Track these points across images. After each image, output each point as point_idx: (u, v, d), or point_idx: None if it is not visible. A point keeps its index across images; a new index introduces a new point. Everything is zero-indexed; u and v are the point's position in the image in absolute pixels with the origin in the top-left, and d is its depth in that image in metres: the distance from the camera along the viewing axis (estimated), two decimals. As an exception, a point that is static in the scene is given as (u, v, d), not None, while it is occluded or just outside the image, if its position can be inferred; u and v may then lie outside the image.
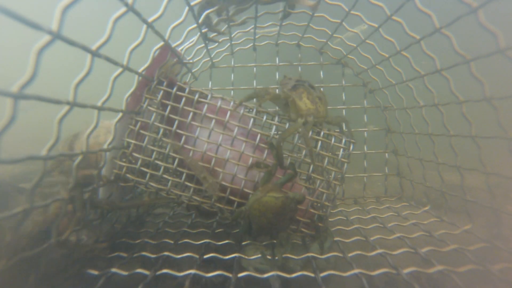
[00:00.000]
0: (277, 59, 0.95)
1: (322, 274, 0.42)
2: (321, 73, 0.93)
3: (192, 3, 0.54)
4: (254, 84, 0.93)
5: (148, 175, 0.56)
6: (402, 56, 0.66)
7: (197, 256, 0.47)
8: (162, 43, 0.54)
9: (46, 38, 0.29)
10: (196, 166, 0.54)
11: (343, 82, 0.92)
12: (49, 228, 0.39)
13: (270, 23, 0.85)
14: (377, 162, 0.92)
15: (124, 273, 0.42)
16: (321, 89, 0.60)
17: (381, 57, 0.74)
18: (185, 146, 0.56)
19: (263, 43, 0.94)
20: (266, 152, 0.56)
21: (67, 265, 0.42)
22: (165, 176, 0.57)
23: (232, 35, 0.83)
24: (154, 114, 0.58)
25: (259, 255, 0.49)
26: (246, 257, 0.48)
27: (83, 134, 0.68)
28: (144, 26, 0.46)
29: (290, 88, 0.58)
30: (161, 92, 0.58)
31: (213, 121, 0.56)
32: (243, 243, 0.54)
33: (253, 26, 0.81)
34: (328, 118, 0.60)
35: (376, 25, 0.65)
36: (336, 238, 0.55)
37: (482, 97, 0.48)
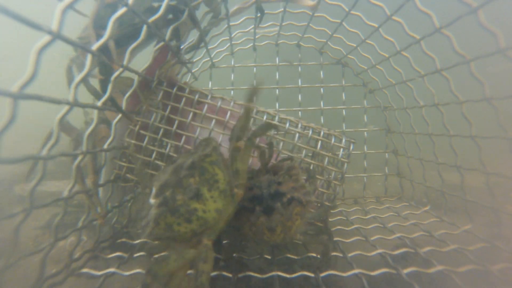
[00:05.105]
0: (277, 59, 0.95)
1: (322, 274, 0.42)
2: (321, 73, 0.93)
3: (192, 4, 0.54)
4: (254, 84, 0.93)
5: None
6: (402, 56, 0.66)
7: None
8: (162, 43, 0.54)
9: (46, 38, 0.29)
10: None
11: (343, 82, 0.92)
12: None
13: (270, 23, 0.85)
14: (377, 162, 0.92)
15: (124, 273, 0.42)
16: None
17: (381, 57, 0.74)
18: (186, 146, 0.56)
19: (263, 43, 0.94)
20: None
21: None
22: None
23: (232, 35, 0.83)
24: (154, 114, 0.58)
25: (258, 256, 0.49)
26: (246, 257, 0.48)
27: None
28: (144, 26, 0.46)
29: None
30: (161, 92, 0.58)
31: (213, 121, 0.56)
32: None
33: (253, 26, 0.81)
34: None
35: (376, 25, 0.65)
36: (336, 238, 0.54)
37: (482, 97, 0.48)
